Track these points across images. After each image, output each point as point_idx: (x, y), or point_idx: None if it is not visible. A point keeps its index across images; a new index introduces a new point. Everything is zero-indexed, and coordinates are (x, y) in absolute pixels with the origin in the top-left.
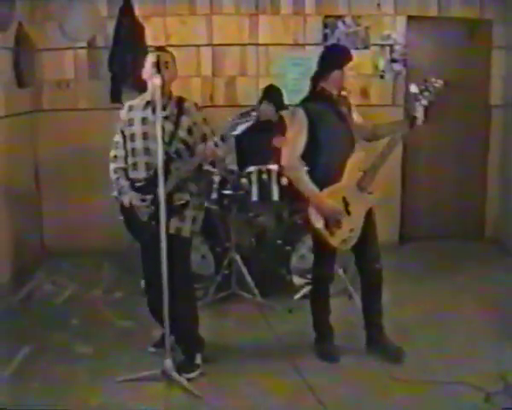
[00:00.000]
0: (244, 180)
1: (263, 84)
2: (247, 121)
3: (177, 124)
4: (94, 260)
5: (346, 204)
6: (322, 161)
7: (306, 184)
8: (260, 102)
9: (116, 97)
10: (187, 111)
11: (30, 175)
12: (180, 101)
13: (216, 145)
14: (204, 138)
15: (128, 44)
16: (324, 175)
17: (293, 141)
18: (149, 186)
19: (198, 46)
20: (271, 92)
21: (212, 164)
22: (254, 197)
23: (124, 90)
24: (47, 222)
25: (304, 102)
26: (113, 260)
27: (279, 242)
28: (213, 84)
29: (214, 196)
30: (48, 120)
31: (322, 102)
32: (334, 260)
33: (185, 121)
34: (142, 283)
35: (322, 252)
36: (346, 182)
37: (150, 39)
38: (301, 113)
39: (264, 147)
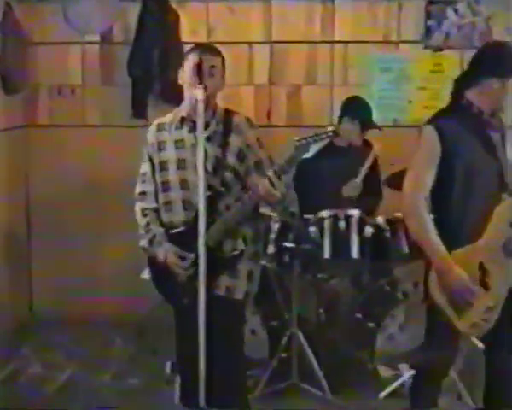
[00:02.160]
0: (312, 229)
1: (339, 96)
2: (318, 140)
3: (224, 146)
4: (100, 333)
5: (484, 273)
6: (457, 206)
7: (431, 239)
8: (340, 119)
9: (139, 111)
10: (237, 129)
11: (18, 214)
12: (228, 115)
13: (271, 183)
14: (259, 166)
15: (155, 39)
16: (456, 227)
17: (419, 173)
18: (189, 234)
19: (251, 43)
20: (356, 106)
21: (270, 205)
22: (326, 253)
23: (149, 101)
24: (37, 278)
25: (437, 119)
26: (126, 333)
27: (358, 315)
28: (271, 96)
29: (271, 249)
30: (44, 139)
31: (464, 121)
32: (456, 348)
33: (235, 142)
34: (168, 366)
35: (439, 335)
36: (487, 241)
37: (187, 33)
38: (432, 133)
39: (343, 182)
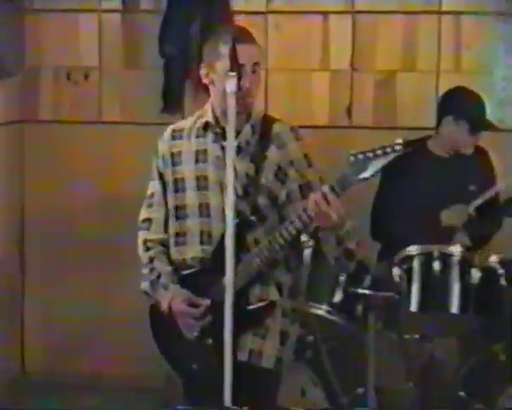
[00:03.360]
0: (396, 271)
1: (447, 86)
2: (379, 156)
3: (259, 162)
4: (111, 400)
5: None
6: None
7: None
8: (439, 119)
9: (173, 104)
10: (278, 139)
11: (9, 245)
12: (266, 122)
13: (326, 199)
14: (305, 192)
15: (197, 6)
16: None
17: None
18: (205, 276)
19: (326, 13)
20: (462, 101)
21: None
22: (414, 305)
23: (187, 90)
24: (31, 328)
25: None
26: (147, 400)
27: (462, 394)
28: (353, 86)
29: (338, 296)
30: (46, 138)
31: None
32: None
33: (274, 157)
34: None
35: None
36: None
37: None
38: None
39: (442, 205)
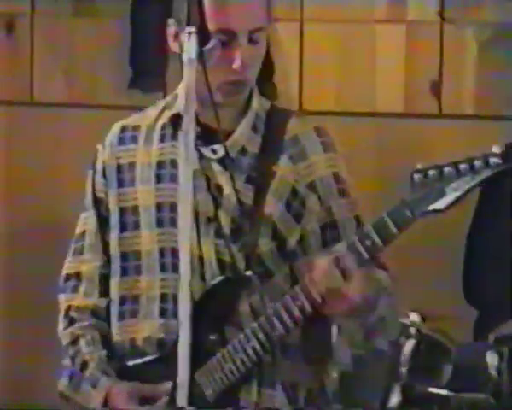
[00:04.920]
0: (493, 358)
1: None
2: (466, 174)
3: (261, 182)
4: None
5: None
6: None
7: None
8: None
9: (145, 77)
10: (294, 146)
11: None
12: (276, 117)
13: (341, 269)
14: (331, 236)
15: None
16: None
17: None
18: (168, 369)
19: None
20: None
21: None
22: None
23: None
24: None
25: None
26: None
27: None
28: (444, 46)
29: (396, 398)
30: None
31: None
32: None
33: (287, 175)
34: None
35: None
36: None
37: None
38: None
39: None
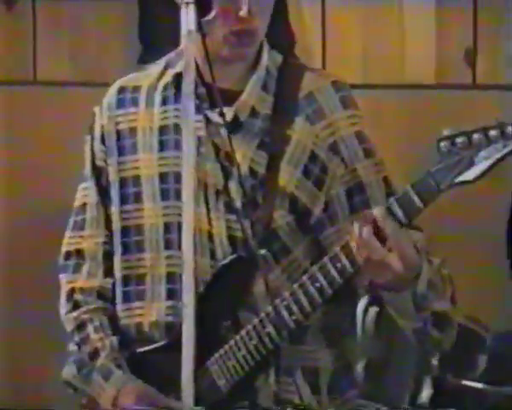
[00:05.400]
0: None
1: None
2: (506, 138)
3: (276, 147)
4: None
5: None
6: None
7: None
8: None
9: (157, 49)
10: (311, 105)
11: None
12: (289, 72)
13: (378, 232)
14: (360, 200)
15: None
16: None
17: None
18: (178, 357)
19: None
20: None
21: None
22: None
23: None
24: None
25: None
26: None
27: None
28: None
29: (426, 392)
30: None
31: None
32: None
33: (304, 138)
34: None
35: None
36: None
37: None
38: None
39: None
